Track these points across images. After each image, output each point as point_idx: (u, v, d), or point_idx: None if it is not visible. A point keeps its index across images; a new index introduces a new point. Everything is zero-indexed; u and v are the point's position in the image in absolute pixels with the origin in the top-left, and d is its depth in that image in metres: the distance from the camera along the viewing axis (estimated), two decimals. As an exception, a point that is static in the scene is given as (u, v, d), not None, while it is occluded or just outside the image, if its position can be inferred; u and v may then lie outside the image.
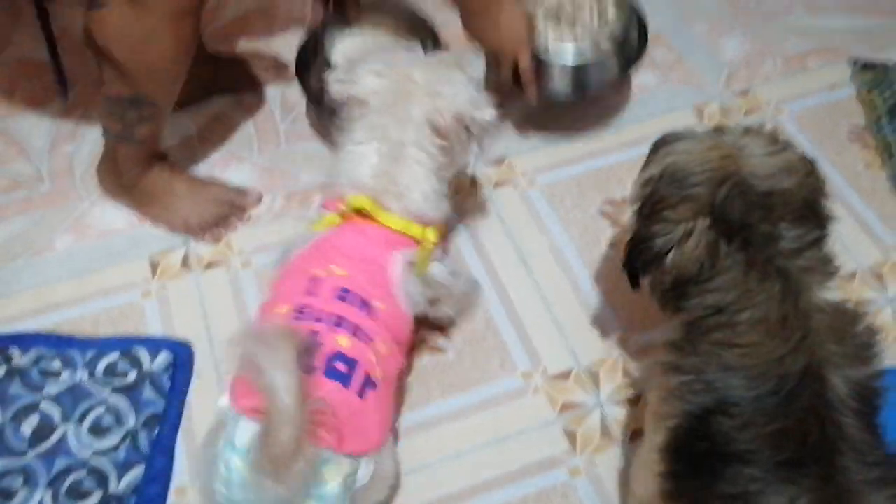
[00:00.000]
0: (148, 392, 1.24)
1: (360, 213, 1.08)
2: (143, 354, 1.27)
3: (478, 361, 1.27)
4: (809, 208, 0.94)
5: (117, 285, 1.36)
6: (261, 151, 1.55)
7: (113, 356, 1.27)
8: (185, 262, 1.39)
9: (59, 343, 1.29)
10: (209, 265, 1.38)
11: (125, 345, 1.29)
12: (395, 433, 1.17)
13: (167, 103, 1.30)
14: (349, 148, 1.12)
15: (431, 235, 1.11)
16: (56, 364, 1.26)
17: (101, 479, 1.16)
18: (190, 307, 1.33)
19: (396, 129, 1.10)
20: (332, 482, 0.90)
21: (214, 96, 1.62)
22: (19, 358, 1.27)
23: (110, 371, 1.26)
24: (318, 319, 0.97)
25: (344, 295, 1.01)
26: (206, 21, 1.48)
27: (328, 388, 0.91)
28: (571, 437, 1.19)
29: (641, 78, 1.66)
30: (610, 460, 1.17)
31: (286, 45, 1.68)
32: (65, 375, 1.25)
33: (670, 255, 0.93)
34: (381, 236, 1.08)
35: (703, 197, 0.91)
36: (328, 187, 1.16)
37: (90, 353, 1.28)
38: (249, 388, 0.86)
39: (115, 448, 1.19)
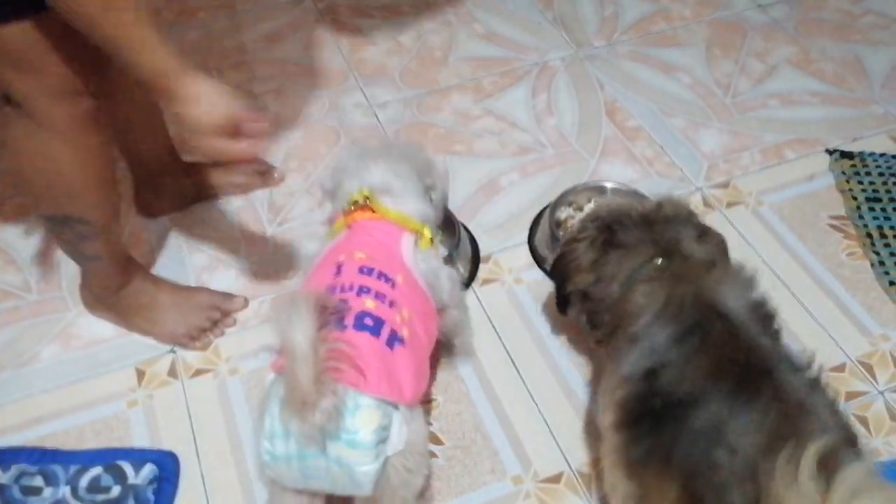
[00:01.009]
0: None
1: (363, 208, 1.18)
2: (127, 467, 1.25)
3: (468, 467, 1.25)
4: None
5: (103, 396, 1.35)
6: (248, 256, 1.56)
7: (96, 470, 1.25)
8: (173, 371, 1.38)
9: (42, 458, 1.26)
10: (196, 373, 1.38)
11: (109, 458, 1.26)
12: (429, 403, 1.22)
13: (102, 219, 1.25)
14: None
15: (427, 232, 1.22)
16: (38, 480, 1.24)
17: None
18: (177, 416, 1.32)
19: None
20: (364, 429, 0.93)
21: (198, 203, 1.64)
22: (1, 475, 1.24)
23: (94, 486, 1.23)
24: (344, 290, 1.05)
25: (366, 270, 1.08)
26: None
27: (358, 339, 0.97)
28: (565, 544, 1.16)
29: (622, 171, 1.69)
30: (605, 568, 1.14)
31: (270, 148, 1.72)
32: (47, 492, 1.23)
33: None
34: (386, 226, 1.18)
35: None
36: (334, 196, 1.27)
37: (73, 468, 1.25)
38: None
39: (100, 567, 1.16)
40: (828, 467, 0.77)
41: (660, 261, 1.07)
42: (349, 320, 1.00)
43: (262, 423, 0.96)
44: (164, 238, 1.59)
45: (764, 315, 1.02)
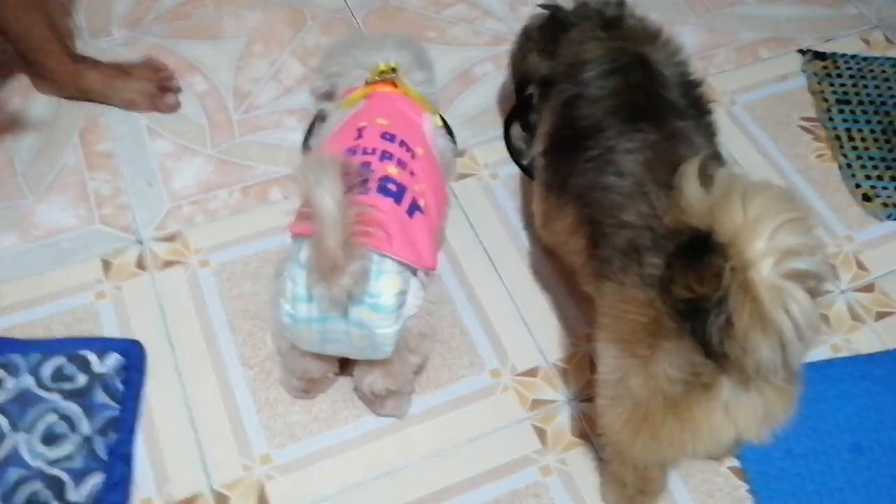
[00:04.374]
0: (100, 396, 1.19)
1: (386, 81, 1.19)
2: (90, 356, 1.22)
3: (447, 360, 1.26)
4: None
5: (68, 287, 1.30)
6: (213, 144, 1.50)
7: (58, 360, 1.22)
8: (140, 263, 1.34)
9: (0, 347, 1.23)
10: (166, 265, 1.34)
11: (70, 347, 1.23)
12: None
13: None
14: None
15: (439, 119, 1.24)
16: (-1, 371, 1.21)
17: (59, 489, 1.11)
18: (147, 309, 1.29)
19: None
20: (387, 293, 0.94)
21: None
22: (-42, 367, 1.20)
23: (58, 375, 1.21)
24: (367, 153, 1.05)
25: (388, 136, 1.08)
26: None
27: (382, 203, 0.99)
28: (542, 434, 1.20)
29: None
30: (580, 458, 1.18)
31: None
32: (10, 383, 1.19)
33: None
34: (407, 100, 1.19)
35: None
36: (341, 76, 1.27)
37: (34, 358, 1.22)
38: (308, 216, 0.90)
39: (71, 456, 1.14)
40: (706, 176, 0.83)
41: (603, 31, 1.19)
42: (373, 184, 1.00)
43: (282, 286, 0.97)
44: (125, 122, 1.52)
45: (687, 82, 1.12)
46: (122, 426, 1.17)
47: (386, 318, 0.95)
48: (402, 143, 1.08)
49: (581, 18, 1.23)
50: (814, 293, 0.76)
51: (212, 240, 1.37)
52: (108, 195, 1.42)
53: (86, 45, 1.63)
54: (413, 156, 1.09)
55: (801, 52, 1.73)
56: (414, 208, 1.02)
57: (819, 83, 1.66)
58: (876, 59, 1.71)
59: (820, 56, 1.71)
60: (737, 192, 0.77)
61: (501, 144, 1.53)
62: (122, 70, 1.53)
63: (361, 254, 0.89)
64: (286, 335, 1.01)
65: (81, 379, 1.21)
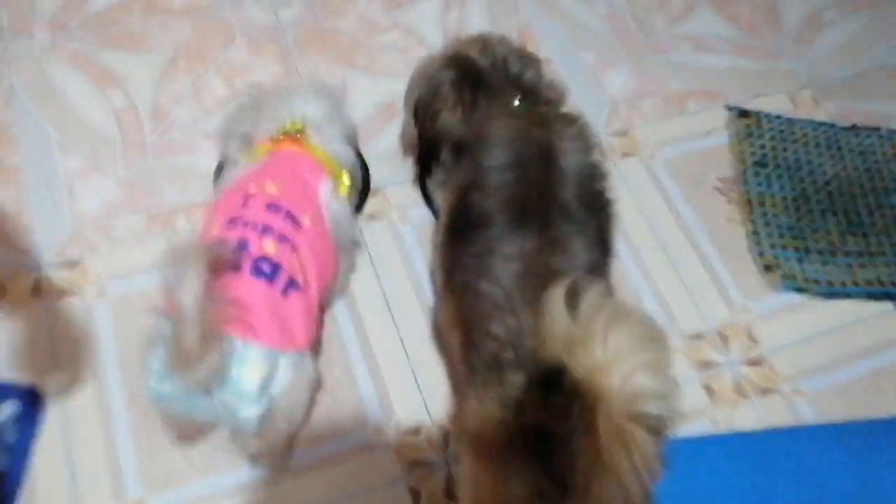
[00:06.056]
0: None
1: (292, 139, 1.19)
2: (-14, 401, 1.22)
3: (331, 412, 1.28)
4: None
5: (-41, 310, 1.30)
6: (126, 166, 1.49)
7: (-50, 402, 1.21)
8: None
9: None
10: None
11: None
12: (318, 347, 1.27)
13: None
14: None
15: (346, 179, 1.25)
16: None
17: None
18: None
19: None
20: (248, 380, 0.96)
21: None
22: None
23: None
24: (247, 226, 1.05)
25: (273, 207, 1.09)
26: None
27: (253, 285, 0.99)
28: (416, 496, 1.22)
29: (525, 109, 1.65)
30: (451, 521, 1.21)
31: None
32: None
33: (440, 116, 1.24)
34: (309, 161, 1.19)
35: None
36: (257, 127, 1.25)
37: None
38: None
39: (-48, 508, 1.13)
40: (575, 296, 0.85)
41: (517, 102, 1.19)
42: (246, 264, 1.01)
43: (148, 361, 0.97)
44: (35, 134, 1.49)
45: (586, 176, 1.11)
46: (8, 483, 1.16)
47: (247, 402, 0.96)
48: (288, 215, 1.08)
49: (498, 80, 1.21)
50: (658, 433, 0.78)
51: (112, 268, 1.37)
52: (11, 212, 1.40)
53: (5, 48, 1.59)
54: (298, 227, 1.09)
55: (728, 108, 1.74)
56: (290, 286, 1.03)
57: (740, 142, 1.68)
58: (799, 121, 1.73)
59: (745, 114, 1.72)
60: (599, 325, 0.79)
61: (416, 187, 1.53)
62: None
63: (220, 345, 0.90)
64: (156, 407, 1.02)
65: (-28, 429, 1.19)
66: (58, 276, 1.35)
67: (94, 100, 1.55)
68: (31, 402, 1.23)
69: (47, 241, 1.38)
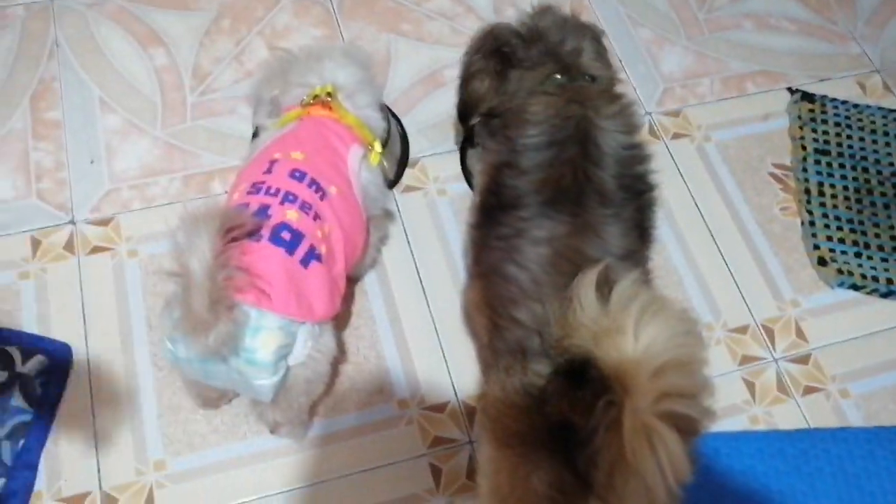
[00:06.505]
0: (17, 399, 1.19)
1: (322, 103, 1.15)
2: (15, 353, 1.22)
3: (356, 384, 1.25)
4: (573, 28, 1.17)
5: (-6, 262, 1.31)
6: (164, 126, 1.47)
7: (-19, 349, 1.21)
8: (69, 244, 1.33)
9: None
10: (94, 250, 1.33)
11: (-3, 337, 1.22)
12: (346, 319, 1.26)
13: None
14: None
15: (377, 146, 1.19)
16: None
17: (-45, 491, 1.11)
18: (69, 298, 1.28)
19: None
20: (263, 349, 0.93)
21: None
22: None
23: (-23, 367, 1.20)
24: (270, 193, 1.01)
25: (298, 175, 1.05)
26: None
27: (270, 252, 0.95)
28: (437, 473, 1.19)
29: (575, 84, 1.59)
30: (468, 502, 1.18)
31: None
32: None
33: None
34: (339, 128, 1.14)
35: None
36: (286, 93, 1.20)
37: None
38: None
39: (-24, 458, 1.14)
40: (607, 284, 0.81)
41: (559, 77, 1.12)
42: (266, 231, 0.97)
43: (164, 322, 0.96)
44: (78, 91, 1.49)
45: (629, 157, 1.05)
46: (32, 434, 1.17)
47: (262, 371, 0.94)
48: (312, 183, 1.05)
49: (530, 52, 1.14)
50: (686, 433, 0.74)
51: (145, 228, 1.36)
52: (49, 168, 1.40)
53: (50, 2, 1.59)
54: (323, 196, 1.05)
55: (790, 90, 1.65)
56: (310, 257, 0.99)
57: (801, 128, 1.59)
58: (867, 107, 1.63)
59: (808, 98, 1.63)
60: (630, 316, 0.74)
61: (456, 158, 1.49)
62: None
63: (229, 314, 0.87)
64: (173, 367, 1.01)
65: (1, 376, 1.20)
66: (91, 233, 1.34)
67: (136, 58, 1.54)
68: (59, 356, 1.23)
69: (83, 198, 1.38)
